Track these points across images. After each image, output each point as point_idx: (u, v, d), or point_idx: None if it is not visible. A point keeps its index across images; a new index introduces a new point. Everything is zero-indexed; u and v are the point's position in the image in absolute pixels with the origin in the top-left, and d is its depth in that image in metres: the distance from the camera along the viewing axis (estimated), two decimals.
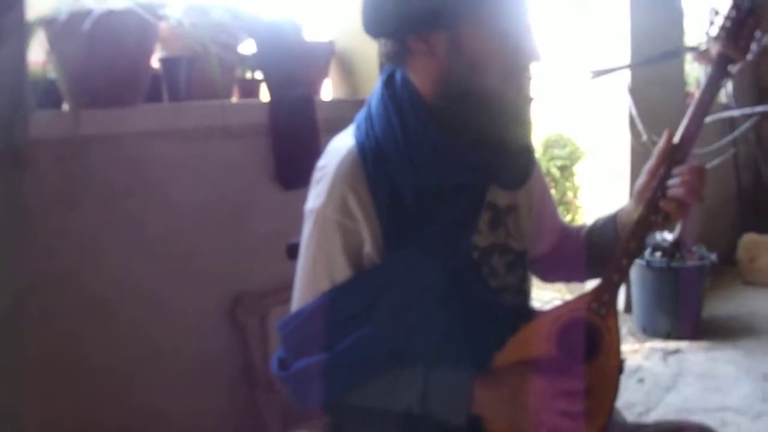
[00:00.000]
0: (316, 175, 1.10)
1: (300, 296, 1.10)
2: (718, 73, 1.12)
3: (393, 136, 1.05)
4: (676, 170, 1.09)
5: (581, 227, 1.32)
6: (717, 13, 1.14)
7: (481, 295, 1.11)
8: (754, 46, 1.12)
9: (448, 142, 1.05)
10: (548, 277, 1.39)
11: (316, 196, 1.08)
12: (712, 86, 1.12)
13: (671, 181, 1.09)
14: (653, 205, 1.10)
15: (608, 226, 1.22)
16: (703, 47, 1.17)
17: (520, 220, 1.20)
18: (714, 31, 1.13)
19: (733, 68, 1.13)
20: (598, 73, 2.60)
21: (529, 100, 1.10)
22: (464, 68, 1.02)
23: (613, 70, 2.97)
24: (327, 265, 1.07)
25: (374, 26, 1.07)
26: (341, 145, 1.09)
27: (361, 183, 1.04)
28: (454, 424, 1.04)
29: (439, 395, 1.04)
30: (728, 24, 1.11)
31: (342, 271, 1.06)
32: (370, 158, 1.05)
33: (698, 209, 1.10)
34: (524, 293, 1.22)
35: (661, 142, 1.13)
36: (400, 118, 1.06)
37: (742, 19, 1.11)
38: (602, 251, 1.20)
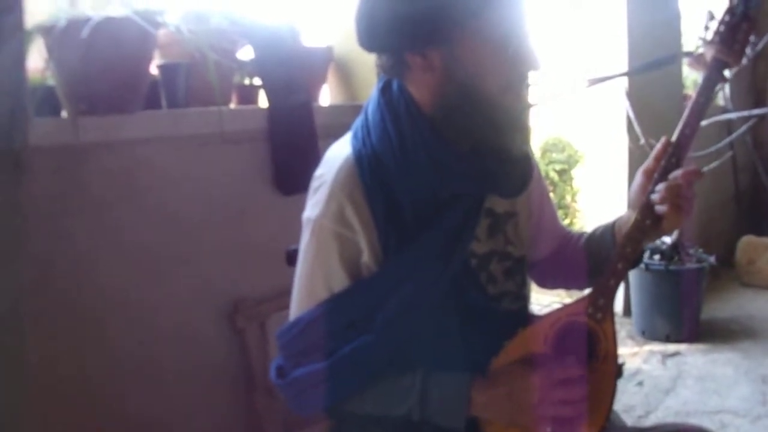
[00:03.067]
0: (314, 183, 1.10)
1: (298, 305, 1.10)
2: (713, 77, 1.12)
3: (389, 144, 1.05)
4: (671, 174, 1.09)
5: (581, 234, 1.31)
6: (713, 16, 1.14)
7: (479, 303, 1.11)
8: (748, 51, 1.13)
9: (445, 151, 1.05)
10: (546, 283, 1.37)
11: (313, 205, 1.08)
12: (707, 90, 1.12)
13: (659, 186, 1.08)
14: (648, 209, 1.09)
15: (606, 234, 1.21)
16: (699, 51, 1.17)
17: (519, 226, 1.20)
18: (709, 35, 1.13)
19: (728, 72, 1.14)
20: (594, 81, 2.60)
21: (527, 107, 1.09)
22: (463, 81, 1.02)
23: (609, 78, 2.98)
24: (325, 275, 1.07)
25: (369, 41, 1.07)
26: (338, 153, 1.09)
27: (358, 192, 1.04)
28: (453, 428, 1.04)
29: (437, 400, 1.04)
30: (723, 29, 1.11)
31: (339, 281, 1.06)
32: (367, 167, 1.05)
33: (695, 210, 1.10)
34: (523, 299, 1.22)
35: (658, 145, 1.13)
36: (397, 126, 1.06)
37: (736, 24, 1.11)
38: (600, 260, 1.18)
